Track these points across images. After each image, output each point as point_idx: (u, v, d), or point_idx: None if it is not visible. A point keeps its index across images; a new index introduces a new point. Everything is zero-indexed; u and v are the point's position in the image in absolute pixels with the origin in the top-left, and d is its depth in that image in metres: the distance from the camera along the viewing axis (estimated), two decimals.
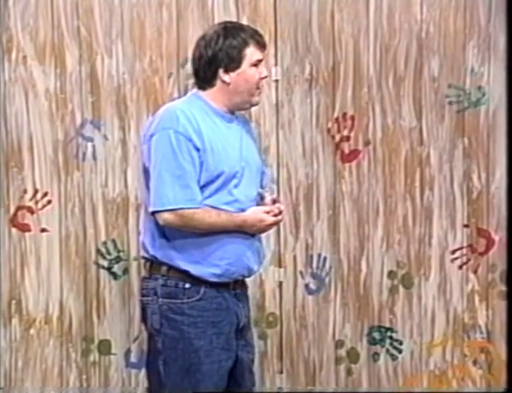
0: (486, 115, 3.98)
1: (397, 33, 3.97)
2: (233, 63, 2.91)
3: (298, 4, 3.97)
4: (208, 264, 2.89)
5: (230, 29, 2.94)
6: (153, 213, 2.89)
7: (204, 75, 2.95)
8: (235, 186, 2.92)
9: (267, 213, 2.97)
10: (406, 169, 4.01)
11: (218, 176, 2.88)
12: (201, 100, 2.95)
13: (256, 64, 2.94)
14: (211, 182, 2.88)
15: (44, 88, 3.95)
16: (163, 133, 2.85)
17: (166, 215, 2.85)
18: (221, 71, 2.92)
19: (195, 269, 2.88)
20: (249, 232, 2.95)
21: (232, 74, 2.92)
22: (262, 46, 2.96)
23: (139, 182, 3.90)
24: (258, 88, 2.98)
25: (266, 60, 3.12)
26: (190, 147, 2.84)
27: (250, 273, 3.01)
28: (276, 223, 3.04)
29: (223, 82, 2.93)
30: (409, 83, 3.99)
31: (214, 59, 2.91)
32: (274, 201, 3.03)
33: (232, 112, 3.00)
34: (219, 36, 2.92)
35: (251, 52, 2.92)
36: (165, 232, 2.90)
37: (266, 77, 3.00)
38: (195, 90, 3.00)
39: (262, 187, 3.10)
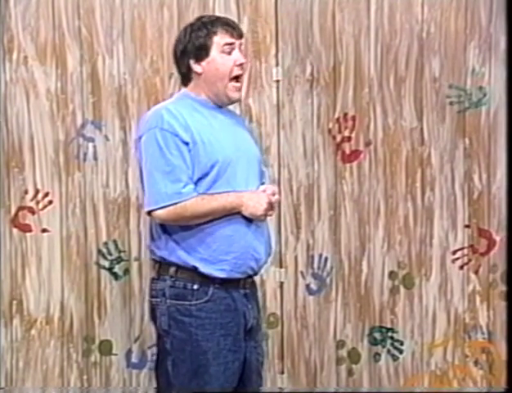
0: (487, 116, 3.98)
1: (398, 33, 3.97)
2: (201, 51, 2.91)
3: (299, 4, 3.97)
4: (216, 259, 2.89)
5: (197, 22, 2.96)
6: (149, 213, 2.90)
7: (181, 70, 2.97)
8: (233, 176, 2.91)
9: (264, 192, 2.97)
10: (406, 170, 4.01)
11: (212, 166, 2.87)
12: (188, 97, 2.96)
13: (229, 51, 2.92)
14: (206, 174, 2.87)
15: (45, 89, 3.95)
16: (150, 133, 2.87)
17: (160, 212, 2.86)
18: (192, 62, 2.93)
19: (203, 267, 2.88)
20: (250, 220, 2.92)
21: (203, 64, 2.92)
22: (232, 34, 2.93)
23: (139, 183, 3.92)
24: (234, 78, 2.93)
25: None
26: (177, 142, 2.84)
27: (258, 264, 2.99)
28: (271, 206, 2.97)
29: (196, 73, 2.94)
30: (410, 84, 3.99)
31: (184, 52, 2.94)
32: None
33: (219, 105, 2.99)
34: (186, 29, 2.96)
35: (219, 39, 2.91)
36: (170, 232, 2.91)
37: (242, 64, 2.95)
38: (182, 90, 3.02)
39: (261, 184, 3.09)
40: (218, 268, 2.89)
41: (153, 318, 3.01)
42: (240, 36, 2.97)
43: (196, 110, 2.93)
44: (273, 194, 3.00)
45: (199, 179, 2.88)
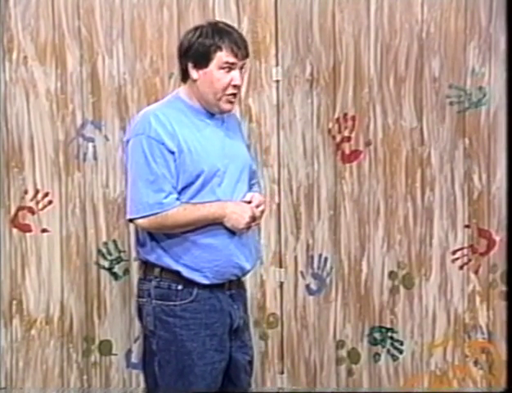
0: (486, 116, 3.98)
1: (398, 33, 3.97)
2: (201, 60, 2.88)
3: (299, 4, 3.97)
4: (198, 266, 2.88)
5: (207, 27, 2.92)
6: (130, 220, 2.90)
7: (181, 67, 2.96)
8: (219, 185, 2.89)
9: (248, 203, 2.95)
10: (406, 170, 4.01)
11: (198, 176, 2.85)
12: (180, 100, 2.94)
13: (227, 69, 2.88)
14: (191, 183, 2.86)
15: (45, 89, 3.95)
16: (137, 139, 2.85)
17: (141, 221, 2.86)
18: (190, 66, 2.91)
19: (185, 272, 2.88)
20: (233, 230, 2.91)
21: (200, 72, 2.89)
22: (236, 54, 2.88)
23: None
24: (227, 94, 2.90)
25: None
26: (163, 151, 2.82)
27: (243, 271, 2.99)
28: (254, 219, 2.95)
29: (192, 78, 2.92)
30: (410, 84, 3.99)
31: (186, 52, 2.91)
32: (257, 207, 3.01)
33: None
34: (196, 31, 2.92)
35: (221, 56, 2.87)
36: (157, 239, 2.90)
37: (238, 85, 2.92)
38: (178, 89, 3.00)
39: (251, 184, 3.08)
40: (201, 274, 2.89)
41: (140, 318, 3.02)
42: (245, 56, 2.93)
43: (186, 116, 2.90)
44: (258, 205, 2.98)
45: (184, 188, 2.87)
